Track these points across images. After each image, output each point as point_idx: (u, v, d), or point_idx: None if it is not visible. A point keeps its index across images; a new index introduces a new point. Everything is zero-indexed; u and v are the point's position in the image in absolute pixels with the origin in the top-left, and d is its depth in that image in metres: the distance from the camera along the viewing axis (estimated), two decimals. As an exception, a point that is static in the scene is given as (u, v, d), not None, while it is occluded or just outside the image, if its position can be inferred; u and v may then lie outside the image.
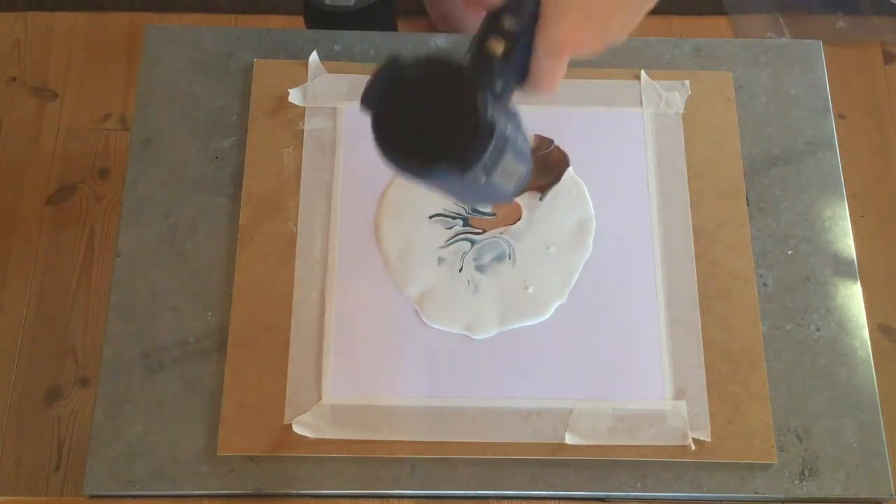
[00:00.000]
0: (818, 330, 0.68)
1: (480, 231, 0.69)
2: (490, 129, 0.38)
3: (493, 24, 0.41)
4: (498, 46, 0.41)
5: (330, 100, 0.73)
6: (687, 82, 0.74)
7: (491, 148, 0.38)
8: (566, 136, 0.72)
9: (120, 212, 0.70)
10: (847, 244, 0.71)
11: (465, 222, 0.70)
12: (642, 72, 0.74)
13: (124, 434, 0.63)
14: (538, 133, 0.73)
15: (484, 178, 0.40)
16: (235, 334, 0.66)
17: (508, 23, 0.41)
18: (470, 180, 0.39)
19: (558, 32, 0.42)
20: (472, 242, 0.69)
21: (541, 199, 0.70)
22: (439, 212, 0.70)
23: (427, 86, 0.38)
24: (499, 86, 0.41)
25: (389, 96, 0.38)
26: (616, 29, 0.44)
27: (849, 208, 0.72)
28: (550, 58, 0.43)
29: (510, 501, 0.65)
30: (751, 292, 0.68)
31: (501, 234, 0.69)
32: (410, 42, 0.77)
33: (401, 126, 0.38)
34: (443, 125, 0.38)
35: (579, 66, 0.76)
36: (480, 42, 0.41)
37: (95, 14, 1.52)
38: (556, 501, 0.64)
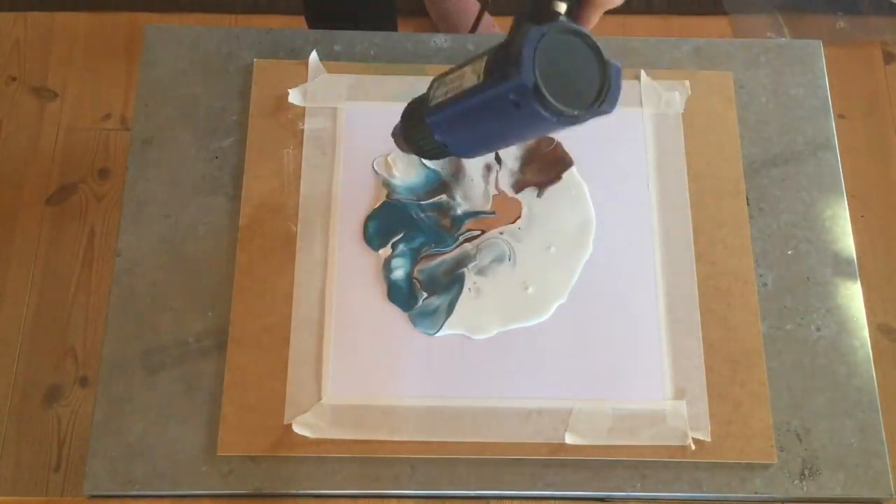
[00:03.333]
0: (818, 330, 0.68)
1: (479, 232, 0.69)
2: (619, 68, 0.47)
3: None
4: (561, 6, 0.48)
5: (330, 100, 0.73)
6: (687, 82, 0.74)
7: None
8: (566, 136, 0.72)
9: (120, 212, 0.70)
10: (847, 244, 0.71)
11: (462, 223, 0.70)
12: (642, 72, 0.74)
13: (124, 434, 0.63)
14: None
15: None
16: (235, 334, 0.66)
17: None
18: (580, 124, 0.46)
19: None
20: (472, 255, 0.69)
21: (538, 195, 0.70)
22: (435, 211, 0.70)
23: (559, 46, 0.45)
24: None
25: (539, 59, 0.44)
26: None
27: (849, 208, 0.72)
28: (600, 9, 0.51)
29: (510, 501, 0.65)
30: (751, 292, 0.68)
31: (501, 233, 0.69)
32: (410, 42, 0.77)
33: (555, 83, 0.44)
34: (582, 75, 0.46)
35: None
36: (547, 3, 0.48)
37: (95, 14, 1.52)
38: (556, 501, 0.64)
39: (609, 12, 0.52)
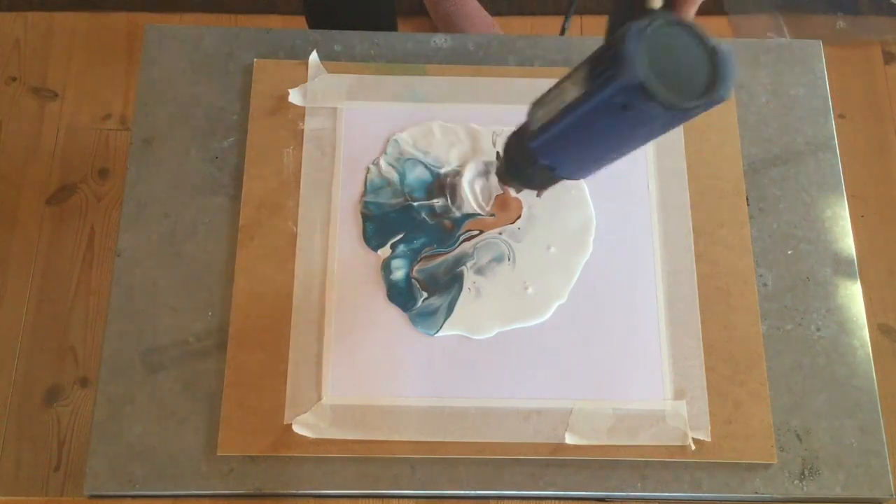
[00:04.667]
0: (818, 330, 0.68)
1: (479, 232, 0.69)
2: (730, 52, 0.44)
3: None
4: (657, 2, 0.46)
5: (330, 100, 0.73)
6: (687, 82, 0.74)
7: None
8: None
9: (120, 212, 0.70)
10: (847, 244, 0.71)
11: (462, 223, 0.70)
12: (642, 72, 0.74)
13: (124, 434, 0.63)
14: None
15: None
16: (235, 334, 0.66)
17: None
18: (694, 116, 0.44)
19: None
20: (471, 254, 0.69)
21: (538, 195, 0.70)
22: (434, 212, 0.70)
23: (664, 38, 0.43)
24: None
25: (650, 54, 0.42)
26: None
27: (849, 208, 0.72)
28: (696, 1, 0.49)
29: (510, 501, 0.65)
30: (751, 292, 0.68)
31: (500, 233, 0.69)
32: (410, 42, 0.77)
33: (660, 78, 0.42)
34: (689, 65, 0.44)
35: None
36: (641, 1, 0.47)
37: (95, 14, 1.52)
38: (556, 501, 0.64)
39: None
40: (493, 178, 0.71)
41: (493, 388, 0.65)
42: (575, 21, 1.50)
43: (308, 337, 0.66)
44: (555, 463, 0.63)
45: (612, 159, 0.51)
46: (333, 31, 0.77)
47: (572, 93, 0.46)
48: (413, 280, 0.68)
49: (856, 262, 0.70)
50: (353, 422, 0.63)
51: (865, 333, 0.68)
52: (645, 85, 0.41)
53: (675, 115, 0.43)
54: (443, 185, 0.71)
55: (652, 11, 0.46)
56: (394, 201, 0.70)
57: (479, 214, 0.70)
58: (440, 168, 0.71)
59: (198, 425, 0.64)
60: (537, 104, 0.51)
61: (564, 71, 0.76)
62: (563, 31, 0.80)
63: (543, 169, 0.52)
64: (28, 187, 1.40)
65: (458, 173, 0.71)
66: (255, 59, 0.74)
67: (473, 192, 0.70)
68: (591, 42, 0.77)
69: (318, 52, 0.75)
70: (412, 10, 1.50)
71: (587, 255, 0.69)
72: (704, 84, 0.43)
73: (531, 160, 0.52)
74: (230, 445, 0.63)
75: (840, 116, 1.46)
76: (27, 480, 1.23)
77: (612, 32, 0.47)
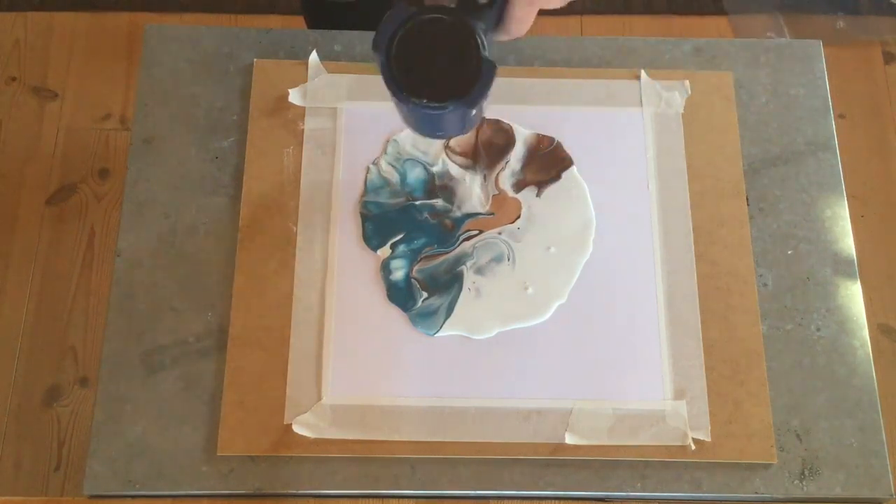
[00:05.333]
0: (818, 330, 0.68)
1: (478, 231, 0.69)
2: (493, 66, 0.43)
3: None
4: None
5: (330, 100, 0.73)
6: (687, 82, 0.74)
7: (492, 84, 0.43)
8: (566, 136, 0.73)
9: (120, 212, 0.70)
10: (847, 244, 0.71)
11: (462, 223, 0.70)
12: (642, 72, 0.74)
13: (124, 434, 0.63)
14: (539, 132, 0.73)
15: (473, 112, 0.45)
16: (235, 334, 0.66)
17: None
18: (463, 114, 0.44)
19: None
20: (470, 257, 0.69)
21: (538, 195, 0.70)
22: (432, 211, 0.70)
23: (429, 31, 0.43)
24: (485, 31, 0.46)
25: (397, 41, 0.42)
26: None
27: (849, 208, 0.72)
28: (526, 6, 0.47)
29: (510, 501, 0.65)
30: (751, 292, 0.68)
31: (500, 233, 0.69)
32: (410, 42, 0.77)
33: (410, 68, 0.42)
34: (449, 65, 0.43)
35: (579, 66, 0.76)
36: None
37: (95, 14, 1.52)
38: (556, 501, 0.64)
39: (546, 13, 0.49)
40: (494, 176, 0.71)
41: (493, 388, 0.65)
42: (575, 21, 1.50)
43: (308, 337, 0.66)
44: (555, 463, 0.63)
45: (433, 130, 0.52)
46: (333, 31, 0.77)
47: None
48: (413, 280, 0.68)
49: (856, 262, 0.70)
50: (353, 422, 0.63)
51: (865, 333, 0.68)
52: (385, 68, 0.42)
53: (430, 110, 0.43)
54: (443, 185, 0.71)
55: (480, 7, 0.45)
56: (394, 201, 0.70)
57: (479, 214, 0.70)
58: (434, 167, 0.71)
59: (198, 425, 0.64)
60: None
61: (565, 71, 0.76)
62: None
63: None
64: (28, 187, 1.40)
65: (452, 177, 0.71)
66: (255, 59, 0.74)
67: (482, 183, 0.70)
68: (592, 42, 0.77)
69: (318, 52, 0.75)
70: (412, 10, 1.50)
71: (587, 255, 0.69)
72: (456, 88, 0.43)
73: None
74: (230, 445, 0.63)
75: (840, 116, 1.46)
76: (27, 480, 1.23)
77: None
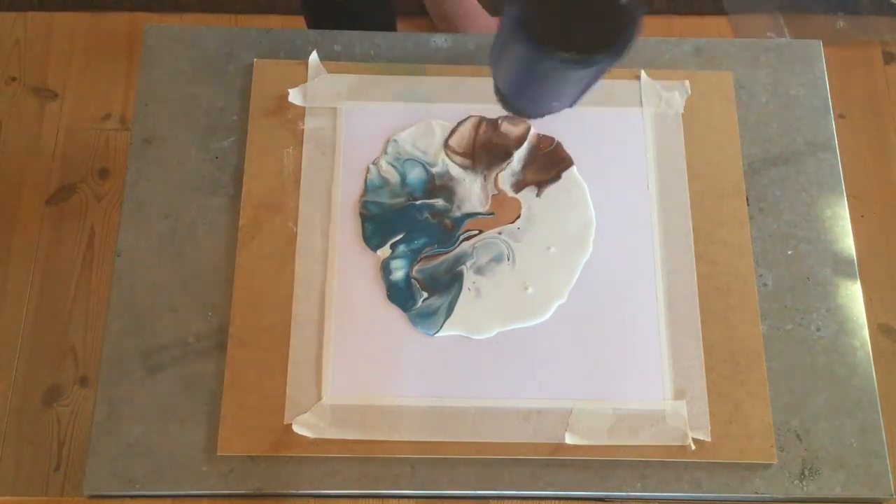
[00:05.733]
0: (818, 330, 0.68)
1: (478, 231, 0.69)
2: (638, 11, 0.40)
3: None
4: None
5: (330, 100, 0.73)
6: (687, 82, 0.74)
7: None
8: (566, 136, 0.73)
9: (120, 212, 0.70)
10: (847, 244, 0.71)
11: (462, 223, 0.70)
12: (642, 72, 0.74)
13: (124, 434, 0.63)
14: (539, 132, 0.73)
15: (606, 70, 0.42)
16: (235, 334, 0.66)
17: None
18: (597, 73, 0.41)
19: None
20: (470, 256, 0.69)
21: (538, 195, 0.70)
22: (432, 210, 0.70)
23: None
24: None
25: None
26: None
27: (849, 208, 0.72)
28: None
29: (510, 501, 0.65)
30: (751, 292, 0.68)
31: (499, 233, 0.69)
32: (410, 42, 0.77)
33: (548, 21, 0.39)
34: (590, 16, 0.40)
35: (579, 66, 0.76)
36: None
37: (95, 14, 1.52)
38: (556, 501, 0.64)
39: None
40: (493, 176, 0.71)
41: (492, 388, 0.65)
42: (575, 21, 1.50)
43: (308, 337, 0.66)
44: (555, 463, 0.63)
45: (548, 100, 0.48)
46: (333, 31, 0.77)
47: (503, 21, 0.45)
48: (413, 280, 0.68)
49: (856, 262, 0.70)
50: (353, 422, 0.63)
51: (865, 333, 0.68)
52: (522, 22, 0.39)
53: (571, 67, 0.40)
54: (443, 185, 0.71)
55: None
56: (393, 201, 0.70)
57: (479, 214, 0.70)
58: (434, 167, 0.71)
59: (198, 425, 0.64)
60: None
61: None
62: None
63: (499, 95, 0.52)
64: (28, 187, 1.40)
65: (452, 177, 0.71)
66: (255, 59, 0.74)
67: (481, 183, 0.70)
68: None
69: (318, 52, 0.75)
70: (412, 10, 1.50)
71: (587, 255, 0.69)
72: (597, 41, 0.39)
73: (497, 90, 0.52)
74: (230, 445, 0.63)
75: (840, 116, 1.46)
76: (27, 480, 1.23)
77: None
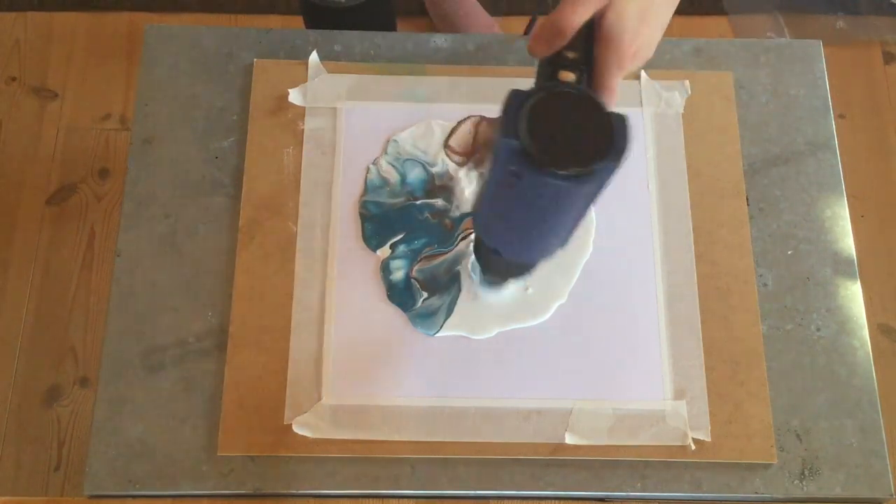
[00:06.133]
0: (818, 330, 0.68)
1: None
2: (625, 118, 0.42)
3: (558, 57, 0.47)
4: (569, 76, 0.46)
5: (330, 100, 0.73)
6: (687, 82, 0.74)
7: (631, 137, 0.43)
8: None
9: (120, 212, 0.70)
10: (847, 244, 0.71)
11: (460, 223, 0.70)
12: (642, 72, 0.74)
13: (124, 434, 0.63)
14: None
15: (612, 175, 0.43)
16: (235, 334, 0.66)
17: (572, 54, 0.46)
18: (601, 183, 0.43)
19: (623, 49, 0.47)
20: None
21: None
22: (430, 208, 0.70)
23: (551, 106, 0.42)
24: None
25: (526, 122, 0.41)
26: (658, 34, 0.49)
27: (849, 208, 0.72)
28: (618, 74, 0.48)
29: (510, 501, 0.65)
30: (751, 292, 0.68)
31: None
32: (410, 42, 0.77)
33: (544, 144, 0.41)
34: (581, 131, 0.42)
35: (579, 66, 0.76)
36: (552, 74, 0.47)
37: (95, 14, 1.52)
38: (556, 501, 0.64)
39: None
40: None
41: (492, 388, 0.65)
42: (575, 21, 1.50)
43: (308, 337, 0.66)
44: (555, 463, 0.63)
45: (550, 238, 0.50)
46: (333, 31, 0.77)
47: (487, 169, 0.46)
48: (413, 280, 0.68)
49: (856, 262, 0.70)
50: (353, 422, 0.63)
51: (865, 333, 0.68)
52: (525, 151, 0.40)
53: (568, 182, 0.41)
54: (442, 184, 0.71)
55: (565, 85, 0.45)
56: (393, 201, 0.70)
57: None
58: (434, 167, 0.71)
59: (198, 425, 0.64)
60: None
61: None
62: (527, 31, 0.80)
63: (494, 254, 0.52)
64: (28, 187, 1.40)
65: (451, 177, 0.71)
66: (255, 59, 0.74)
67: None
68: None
69: (318, 52, 0.75)
70: (412, 10, 1.50)
71: (587, 255, 0.69)
72: (597, 149, 0.41)
73: (483, 246, 0.52)
74: (230, 445, 0.63)
75: (840, 116, 1.46)
76: (27, 480, 1.23)
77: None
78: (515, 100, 0.41)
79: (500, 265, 0.56)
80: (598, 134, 0.42)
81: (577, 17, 0.45)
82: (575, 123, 0.42)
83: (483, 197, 0.48)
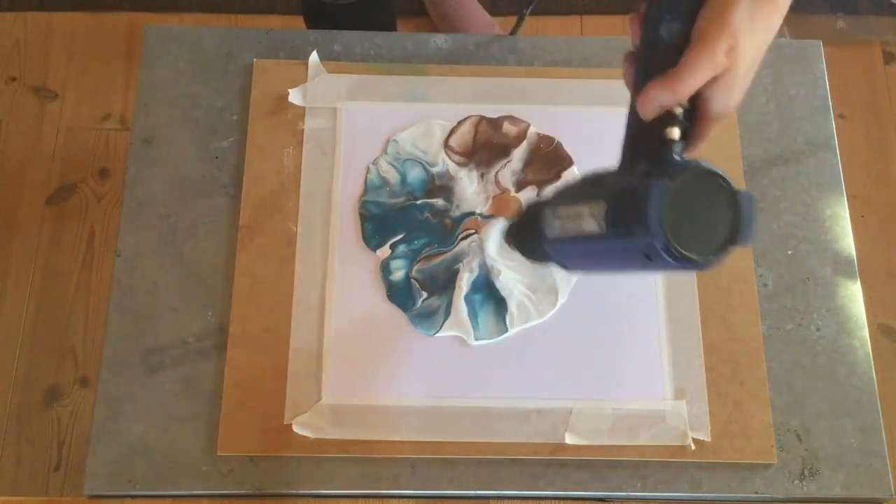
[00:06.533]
0: (818, 330, 0.68)
1: (475, 232, 0.69)
2: (751, 196, 0.43)
3: (665, 113, 0.46)
4: (675, 132, 0.46)
5: (330, 100, 0.73)
6: (687, 82, 0.74)
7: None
8: (567, 136, 0.72)
9: (120, 212, 0.70)
10: (847, 244, 0.71)
11: (460, 223, 0.70)
12: (642, 72, 0.74)
13: (124, 434, 0.63)
14: (539, 132, 0.73)
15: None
16: (235, 334, 0.66)
17: (679, 110, 0.46)
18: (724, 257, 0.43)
19: (729, 110, 0.47)
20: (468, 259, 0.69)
21: (538, 195, 0.70)
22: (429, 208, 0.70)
23: (685, 194, 0.42)
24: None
25: (666, 217, 0.41)
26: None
27: (849, 208, 0.72)
28: (715, 123, 0.48)
29: (510, 501, 0.64)
30: (751, 292, 0.68)
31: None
32: (410, 42, 0.77)
33: (682, 233, 0.41)
34: (711, 216, 0.43)
35: (579, 66, 0.76)
36: (658, 130, 0.46)
37: (95, 14, 1.52)
38: (556, 501, 0.64)
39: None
40: (492, 175, 0.71)
41: (492, 388, 0.65)
42: (575, 21, 1.50)
43: (308, 337, 0.66)
44: (555, 463, 0.63)
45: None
46: (333, 31, 0.77)
47: (590, 225, 0.46)
48: (413, 280, 0.67)
49: (856, 262, 0.70)
50: (353, 422, 0.63)
51: (865, 333, 0.68)
52: (669, 244, 0.41)
53: (695, 266, 0.42)
54: (443, 184, 0.71)
55: (669, 143, 0.45)
56: (393, 201, 0.70)
57: (476, 213, 0.70)
58: (434, 167, 0.71)
59: (198, 425, 0.64)
60: (552, 210, 0.50)
61: (565, 71, 0.76)
62: (514, 31, 0.80)
63: (554, 262, 0.52)
64: (28, 187, 1.39)
65: (455, 172, 0.71)
66: (255, 59, 0.74)
67: (481, 183, 0.70)
68: (592, 42, 0.77)
69: (318, 52, 0.75)
70: (412, 10, 1.50)
71: (587, 255, 0.69)
72: (725, 234, 0.42)
73: (543, 254, 0.52)
74: (230, 445, 0.63)
75: (840, 116, 1.46)
76: (27, 480, 1.23)
77: (628, 157, 0.47)
78: (652, 195, 0.41)
79: (541, 261, 0.56)
80: (726, 214, 0.43)
81: (696, 83, 0.44)
82: (705, 206, 0.43)
83: (577, 243, 0.48)
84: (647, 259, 0.42)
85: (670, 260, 0.41)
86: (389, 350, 0.66)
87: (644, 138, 0.47)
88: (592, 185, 0.48)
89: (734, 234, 0.42)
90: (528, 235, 0.54)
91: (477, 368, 0.65)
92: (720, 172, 0.43)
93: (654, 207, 0.41)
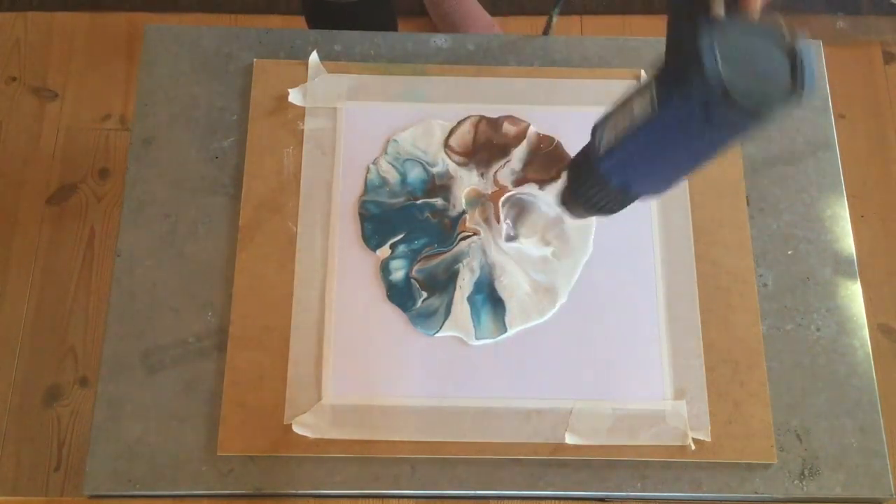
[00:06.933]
0: (818, 330, 0.68)
1: (472, 233, 0.69)
2: (806, 56, 0.40)
3: None
4: (719, 6, 0.42)
5: (330, 100, 0.73)
6: (687, 82, 0.74)
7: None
8: (567, 136, 0.72)
9: (120, 212, 0.70)
10: (847, 244, 0.71)
11: (457, 222, 0.70)
12: (642, 72, 0.74)
13: (124, 434, 0.63)
14: (539, 132, 0.73)
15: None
16: (235, 334, 0.66)
17: None
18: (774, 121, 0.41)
19: None
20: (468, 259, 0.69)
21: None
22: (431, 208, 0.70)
23: (736, 41, 0.40)
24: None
25: (719, 58, 0.39)
26: None
27: (849, 208, 0.72)
28: None
29: (510, 501, 0.64)
30: (751, 292, 0.68)
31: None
32: (410, 42, 0.77)
33: (739, 81, 0.38)
34: (767, 67, 0.40)
35: (579, 66, 0.76)
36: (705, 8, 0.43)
37: (95, 14, 1.52)
38: (556, 501, 0.64)
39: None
40: (491, 175, 0.71)
41: (492, 388, 0.65)
42: (575, 21, 1.50)
43: (308, 337, 0.66)
44: (555, 463, 0.63)
45: (694, 171, 0.47)
46: (333, 31, 0.77)
47: (643, 109, 0.43)
48: (412, 280, 0.67)
49: (856, 262, 0.70)
50: (353, 422, 0.63)
51: (865, 333, 0.68)
52: (728, 89, 0.38)
53: (757, 120, 0.39)
54: (442, 184, 0.71)
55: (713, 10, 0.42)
56: (393, 201, 0.70)
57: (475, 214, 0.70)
58: (434, 167, 0.71)
59: (198, 425, 0.64)
60: (601, 126, 0.48)
61: (565, 71, 0.76)
62: (546, 31, 0.79)
63: (616, 191, 0.50)
64: (28, 187, 1.40)
65: (454, 172, 0.71)
66: (255, 59, 0.74)
67: (480, 183, 0.70)
68: (592, 42, 0.77)
69: (318, 52, 0.75)
70: (412, 10, 1.50)
71: (587, 255, 0.69)
72: (785, 85, 0.39)
73: (602, 183, 0.50)
74: (230, 445, 0.63)
75: (840, 116, 1.46)
76: (27, 480, 1.23)
77: (672, 52, 0.44)
78: (702, 30, 0.38)
79: (607, 201, 0.53)
80: (784, 65, 0.40)
81: None
82: (759, 56, 0.40)
83: (633, 139, 0.45)
84: (705, 119, 0.39)
85: (731, 115, 0.38)
86: (389, 350, 0.66)
87: (687, 19, 0.44)
88: (637, 85, 0.45)
89: (793, 84, 0.39)
90: (582, 173, 0.52)
91: (477, 368, 0.65)
92: (771, 25, 0.40)
93: (705, 43, 0.38)
